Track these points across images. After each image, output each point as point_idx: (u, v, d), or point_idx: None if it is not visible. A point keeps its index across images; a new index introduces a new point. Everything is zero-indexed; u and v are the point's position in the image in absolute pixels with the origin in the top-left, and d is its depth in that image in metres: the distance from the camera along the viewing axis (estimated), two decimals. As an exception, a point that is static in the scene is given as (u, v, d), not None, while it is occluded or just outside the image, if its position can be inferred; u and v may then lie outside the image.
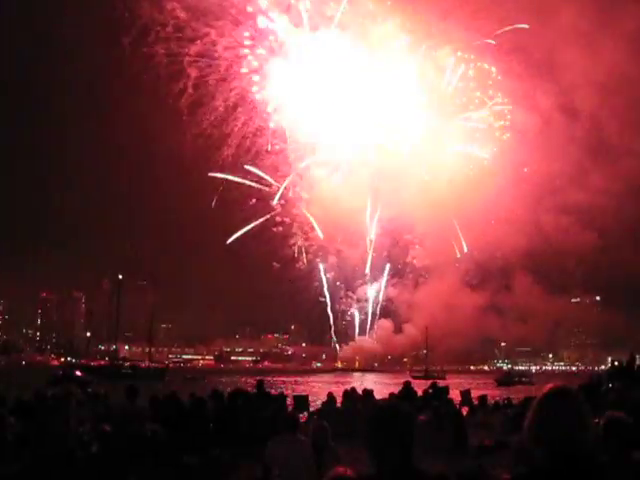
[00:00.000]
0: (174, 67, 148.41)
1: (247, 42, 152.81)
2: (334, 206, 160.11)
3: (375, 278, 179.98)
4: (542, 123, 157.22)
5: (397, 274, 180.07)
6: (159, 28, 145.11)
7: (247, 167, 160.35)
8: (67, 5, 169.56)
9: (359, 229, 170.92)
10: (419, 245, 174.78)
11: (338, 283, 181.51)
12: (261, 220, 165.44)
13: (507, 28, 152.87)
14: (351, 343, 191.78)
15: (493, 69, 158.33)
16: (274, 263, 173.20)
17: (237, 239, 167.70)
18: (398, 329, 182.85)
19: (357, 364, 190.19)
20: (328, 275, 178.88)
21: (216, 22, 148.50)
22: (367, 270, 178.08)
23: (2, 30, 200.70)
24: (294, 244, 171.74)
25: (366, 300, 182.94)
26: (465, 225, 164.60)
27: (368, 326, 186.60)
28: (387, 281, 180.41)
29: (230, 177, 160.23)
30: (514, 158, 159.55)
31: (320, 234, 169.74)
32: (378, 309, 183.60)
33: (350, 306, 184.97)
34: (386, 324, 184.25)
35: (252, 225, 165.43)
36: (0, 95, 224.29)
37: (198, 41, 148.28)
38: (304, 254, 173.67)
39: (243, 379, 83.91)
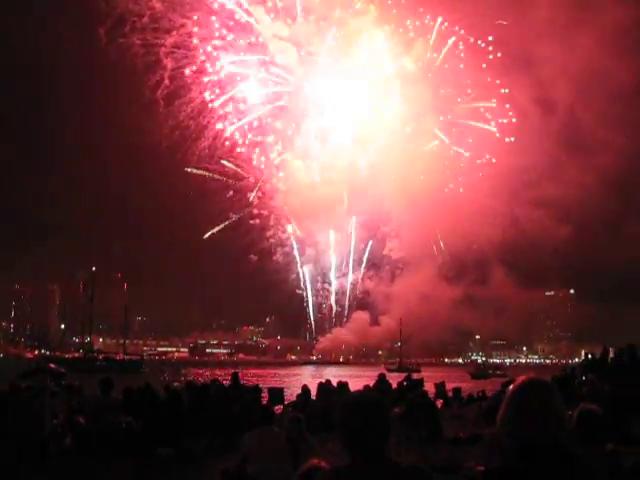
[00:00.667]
0: (150, 58, 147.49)
1: (223, 33, 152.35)
2: (311, 198, 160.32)
3: (352, 270, 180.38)
4: (518, 116, 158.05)
5: (374, 266, 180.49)
6: (135, 19, 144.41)
7: (223, 162, 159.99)
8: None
9: (336, 221, 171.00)
10: (396, 237, 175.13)
11: (315, 276, 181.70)
12: (238, 216, 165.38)
13: (485, 24, 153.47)
14: (327, 335, 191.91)
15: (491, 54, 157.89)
16: (251, 255, 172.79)
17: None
18: (374, 321, 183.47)
19: (333, 356, 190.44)
20: (305, 267, 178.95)
21: (192, 13, 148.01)
22: (344, 262, 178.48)
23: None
24: (271, 236, 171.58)
25: (343, 292, 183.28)
26: (441, 218, 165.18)
27: (345, 318, 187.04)
28: (364, 273, 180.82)
29: (206, 173, 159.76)
30: (490, 151, 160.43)
31: (297, 228, 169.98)
32: (355, 301, 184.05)
33: (327, 298, 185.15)
34: (362, 316, 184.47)
35: (229, 221, 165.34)
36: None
37: (174, 32, 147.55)
38: (281, 247, 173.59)
39: (217, 371, 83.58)
